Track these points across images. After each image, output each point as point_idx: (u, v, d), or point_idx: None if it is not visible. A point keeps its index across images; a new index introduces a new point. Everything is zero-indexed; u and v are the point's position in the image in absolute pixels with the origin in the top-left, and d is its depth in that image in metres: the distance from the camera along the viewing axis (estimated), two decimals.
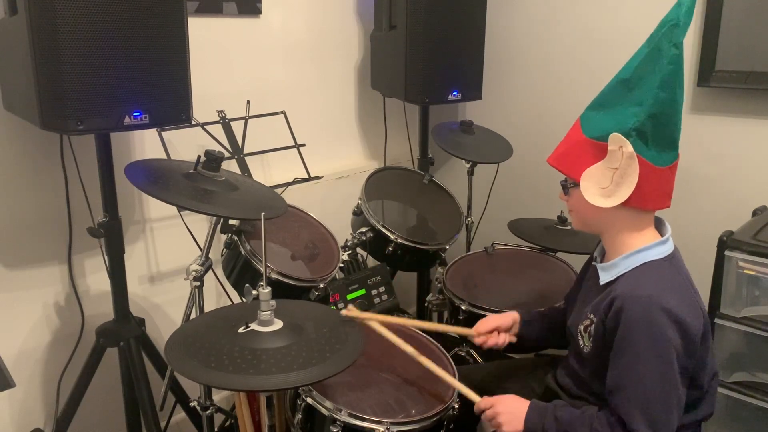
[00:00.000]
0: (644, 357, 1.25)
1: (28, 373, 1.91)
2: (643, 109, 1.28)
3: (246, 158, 2.04)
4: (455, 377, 1.57)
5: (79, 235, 1.88)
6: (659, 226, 1.42)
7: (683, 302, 1.27)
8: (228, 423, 2.03)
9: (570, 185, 1.41)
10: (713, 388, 1.42)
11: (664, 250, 1.36)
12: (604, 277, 1.40)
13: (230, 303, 2.14)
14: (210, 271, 1.75)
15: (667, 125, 1.31)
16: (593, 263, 1.50)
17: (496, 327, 1.64)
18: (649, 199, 1.34)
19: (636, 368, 1.26)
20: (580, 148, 1.36)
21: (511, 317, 1.66)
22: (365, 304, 1.98)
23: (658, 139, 1.30)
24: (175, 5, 1.55)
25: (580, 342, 1.42)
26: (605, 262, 1.42)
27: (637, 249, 1.35)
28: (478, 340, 1.64)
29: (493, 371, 1.79)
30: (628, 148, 1.27)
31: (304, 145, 2.14)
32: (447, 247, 2.23)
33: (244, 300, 1.61)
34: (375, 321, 1.49)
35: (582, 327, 1.41)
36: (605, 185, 1.31)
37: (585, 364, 1.43)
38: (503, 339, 1.64)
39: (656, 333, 1.24)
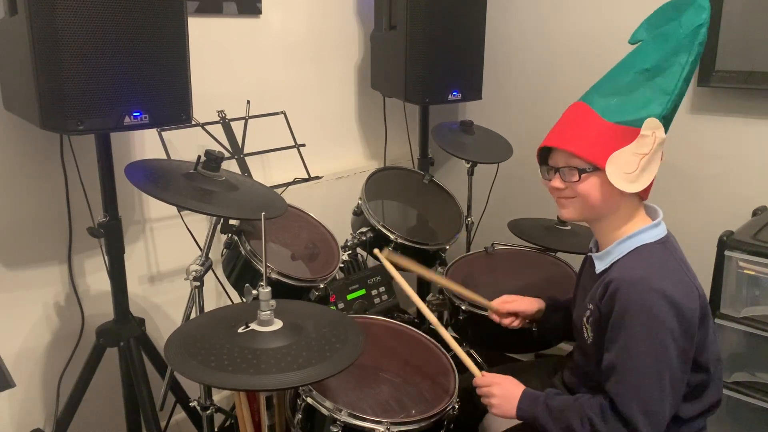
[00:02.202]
0: (638, 338, 1.25)
1: (28, 373, 1.91)
2: (670, 98, 1.32)
3: (246, 158, 2.04)
4: (455, 375, 1.57)
5: (79, 235, 1.88)
6: (649, 211, 1.43)
7: (677, 284, 1.28)
8: (228, 423, 2.03)
9: (589, 170, 1.36)
10: (719, 373, 1.41)
11: (656, 233, 1.37)
12: (600, 266, 1.41)
13: (230, 303, 2.14)
14: (210, 271, 1.75)
15: (674, 115, 1.36)
16: (589, 254, 1.51)
17: (516, 312, 1.68)
18: (649, 188, 1.37)
19: (630, 349, 1.26)
20: (603, 132, 1.34)
21: (536, 306, 1.69)
22: (365, 304, 1.98)
23: (668, 128, 1.35)
24: (175, 5, 1.55)
25: (585, 334, 1.42)
26: (600, 252, 1.43)
27: (630, 234, 1.36)
28: (493, 317, 1.71)
29: (495, 372, 1.79)
30: (661, 134, 1.30)
31: (304, 145, 2.14)
32: (447, 247, 2.23)
33: (244, 300, 1.61)
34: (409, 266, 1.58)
35: (584, 319, 1.42)
36: (630, 170, 1.32)
37: (589, 356, 1.43)
38: (518, 324, 1.70)
39: (650, 315, 1.24)
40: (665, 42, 1.36)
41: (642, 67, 1.36)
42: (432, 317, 1.59)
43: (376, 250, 1.55)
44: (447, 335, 1.56)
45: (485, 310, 1.90)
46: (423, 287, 2.63)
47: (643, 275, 1.27)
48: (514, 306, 1.68)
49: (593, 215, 1.43)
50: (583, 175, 1.37)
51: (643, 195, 1.39)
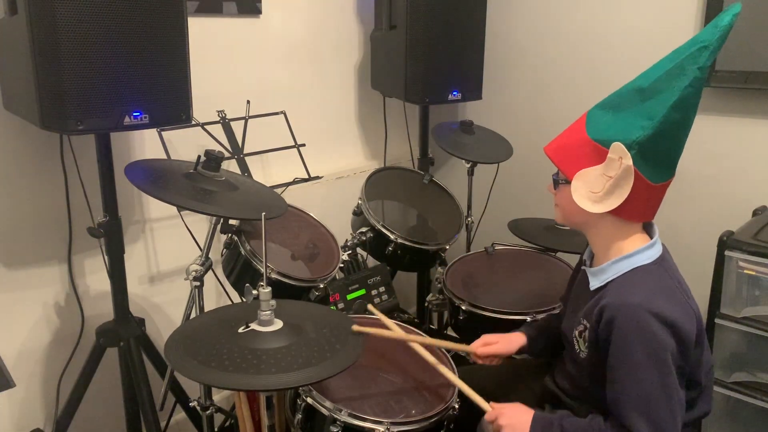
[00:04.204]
0: (642, 364, 1.24)
1: (28, 373, 1.91)
2: (652, 124, 1.24)
3: (246, 158, 2.04)
4: (456, 376, 1.57)
5: (79, 235, 1.88)
6: (647, 227, 1.40)
7: (674, 305, 1.26)
8: (228, 423, 2.03)
9: (561, 181, 1.38)
10: (709, 383, 1.41)
11: (652, 254, 1.34)
12: (594, 283, 1.39)
13: (230, 303, 2.14)
14: (210, 271, 1.75)
15: (671, 145, 1.29)
16: (583, 267, 1.49)
17: (495, 355, 1.63)
18: (635, 213, 1.33)
19: (635, 376, 1.25)
20: (580, 146, 1.33)
21: (517, 346, 1.64)
22: (365, 304, 1.98)
23: (659, 156, 1.28)
24: (175, 5, 1.55)
25: (576, 347, 1.41)
26: (594, 267, 1.41)
27: (626, 254, 1.34)
28: (473, 358, 1.66)
29: (493, 372, 1.78)
30: (628, 161, 1.24)
31: (304, 145, 2.14)
32: (447, 247, 2.23)
33: (244, 300, 1.61)
34: (383, 333, 1.51)
35: (577, 332, 1.41)
36: (596, 190, 1.29)
37: (582, 369, 1.42)
38: (498, 362, 1.66)
39: (651, 339, 1.23)
40: (671, 60, 1.26)
41: (639, 85, 1.29)
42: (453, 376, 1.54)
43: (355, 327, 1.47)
44: (456, 379, 1.50)
45: (484, 309, 1.91)
46: (423, 287, 2.64)
47: (639, 300, 1.25)
48: (493, 350, 1.63)
49: (573, 225, 1.45)
50: (558, 185, 1.40)
51: (628, 218, 1.33)
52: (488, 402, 1.44)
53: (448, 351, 1.70)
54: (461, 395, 1.52)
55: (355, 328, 1.40)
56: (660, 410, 1.24)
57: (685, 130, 1.29)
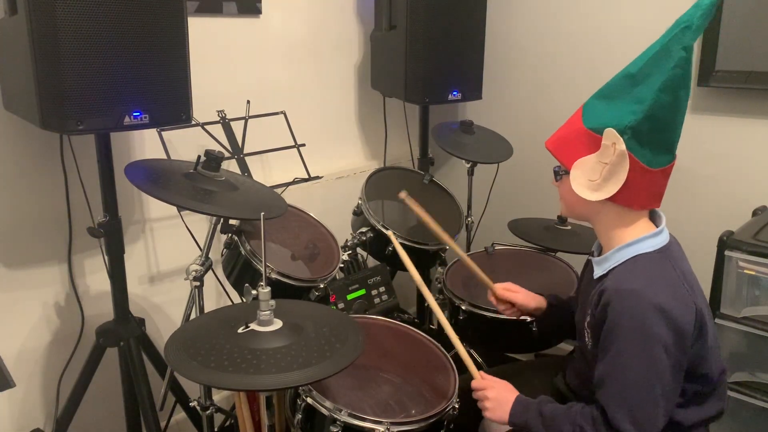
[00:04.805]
0: (629, 351, 1.24)
1: (28, 373, 1.91)
2: (642, 108, 1.26)
3: (246, 158, 2.04)
4: (455, 375, 1.57)
5: (79, 235, 1.88)
6: (654, 217, 1.40)
7: (672, 296, 1.26)
8: (228, 423, 2.03)
9: (562, 172, 1.40)
10: (722, 385, 1.40)
11: (656, 243, 1.34)
12: (598, 271, 1.40)
13: (230, 303, 2.14)
14: (210, 271, 1.75)
15: (665, 128, 1.29)
16: (590, 257, 1.50)
17: (513, 302, 1.68)
18: (636, 199, 1.33)
19: (620, 362, 1.25)
20: (577, 136, 1.34)
21: (535, 304, 1.68)
22: (365, 304, 1.98)
23: (654, 140, 1.28)
24: (175, 5, 1.55)
25: (586, 339, 1.42)
26: (599, 257, 1.42)
27: (628, 242, 1.34)
28: (491, 298, 1.72)
29: (500, 372, 1.78)
30: (621, 146, 1.25)
31: (304, 145, 2.14)
32: (447, 247, 2.23)
33: (244, 300, 1.61)
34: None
35: (586, 323, 1.41)
36: (594, 178, 1.31)
37: (589, 362, 1.42)
38: (511, 313, 1.71)
39: (642, 327, 1.23)
40: (658, 44, 1.30)
41: (628, 72, 1.31)
42: (439, 313, 1.59)
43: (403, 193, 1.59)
44: (452, 333, 1.54)
45: (485, 309, 1.91)
46: None
47: (636, 287, 1.25)
48: (512, 296, 1.68)
49: (578, 217, 1.45)
50: (560, 177, 1.41)
51: (631, 205, 1.33)
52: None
53: (448, 350, 1.70)
54: (461, 393, 1.52)
55: (403, 195, 1.53)
56: (639, 397, 1.24)
57: (678, 112, 1.29)
